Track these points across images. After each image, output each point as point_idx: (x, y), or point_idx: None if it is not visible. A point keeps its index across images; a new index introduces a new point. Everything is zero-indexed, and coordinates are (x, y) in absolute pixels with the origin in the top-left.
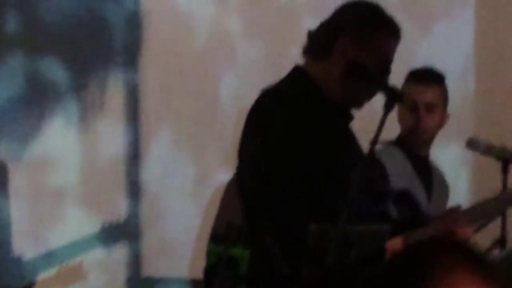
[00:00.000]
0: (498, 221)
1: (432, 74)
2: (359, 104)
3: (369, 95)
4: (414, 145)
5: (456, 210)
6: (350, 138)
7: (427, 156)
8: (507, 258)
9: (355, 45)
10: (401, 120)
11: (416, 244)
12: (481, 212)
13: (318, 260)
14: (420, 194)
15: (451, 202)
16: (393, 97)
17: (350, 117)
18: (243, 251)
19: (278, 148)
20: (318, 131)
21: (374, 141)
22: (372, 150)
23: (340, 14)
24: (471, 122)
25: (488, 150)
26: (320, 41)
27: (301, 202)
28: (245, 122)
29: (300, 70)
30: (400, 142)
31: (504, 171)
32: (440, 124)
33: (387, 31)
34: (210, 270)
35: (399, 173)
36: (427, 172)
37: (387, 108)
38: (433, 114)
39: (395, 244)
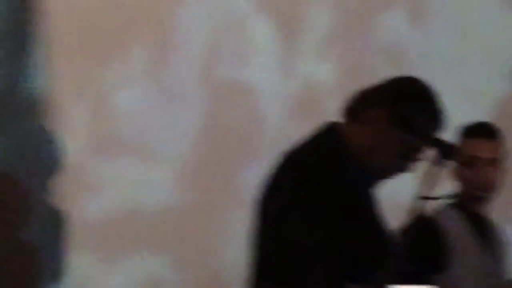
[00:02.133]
0: None
1: (492, 129)
2: (385, 175)
3: (398, 167)
4: (478, 203)
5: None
6: (370, 203)
7: (486, 214)
8: None
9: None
10: (460, 178)
11: None
12: None
13: None
14: (480, 255)
15: None
16: (447, 153)
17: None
18: None
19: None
20: (337, 196)
21: (424, 198)
22: (419, 207)
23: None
24: None
25: None
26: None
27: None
28: (272, 175)
29: (335, 128)
30: (459, 201)
31: None
32: (502, 179)
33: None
34: None
35: (458, 234)
36: (486, 232)
37: (440, 164)
38: (497, 169)
39: None
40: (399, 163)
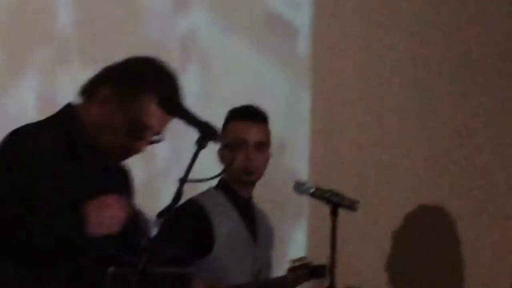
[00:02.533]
0: None
1: (259, 112)
2: (117, 155)
3: (129, 147)
4: (242, 186)
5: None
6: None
7: (250, 198)
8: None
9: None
10: (225, 160)
11: None
12: None
13: None
14: (245, 237)
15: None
16: (209, 134)
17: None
18: None
19: None
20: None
21: (183, 180)
22: (179, 189)
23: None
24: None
25: (316, 193)
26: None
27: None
28: None
29: (71, 108)
30: (223, 184)
31: (333, 214)
32: (267, 164)
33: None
34: None
35: (223, 217)
36: (250, 215)
37: (200, 145)
38: (263, 153)
39: None
40: (130, 143)
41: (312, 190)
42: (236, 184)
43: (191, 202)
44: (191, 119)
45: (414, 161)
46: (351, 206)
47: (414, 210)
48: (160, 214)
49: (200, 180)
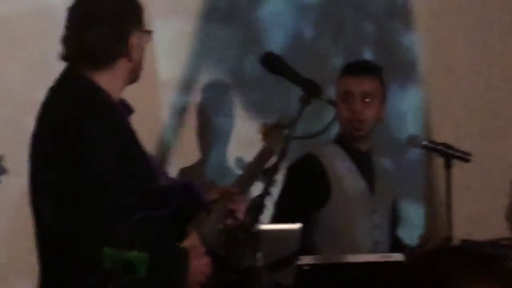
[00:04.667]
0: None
1: (367, 65)
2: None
3: None
4: (354, 139)
5: (229, 190)
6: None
7: (368, 151)
8: None
9: (140, 35)
10: (338, 115)
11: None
12: (247, 179)
13: (223, 262)
14: (362, 190)
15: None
16: (311, 91)
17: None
18: (140, 254)
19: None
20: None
21: (289, 137)
22: (286, 146)
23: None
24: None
25: (428, 146)
26: (103, 49)
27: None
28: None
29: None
30: (340, 139)
31: (447, 166)
32: (379, 118)
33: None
34: (106, 274)
35: (339, 169)
36: (369, 168)
37: (304, 102)
38: (370, 104)
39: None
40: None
41: (424, 143)
42: (350, 138)
43: (308, 154)
44: (294, 77)
45: None
46: (464, 157)
47: None
48: (266, 171)
49: (306, 137)
